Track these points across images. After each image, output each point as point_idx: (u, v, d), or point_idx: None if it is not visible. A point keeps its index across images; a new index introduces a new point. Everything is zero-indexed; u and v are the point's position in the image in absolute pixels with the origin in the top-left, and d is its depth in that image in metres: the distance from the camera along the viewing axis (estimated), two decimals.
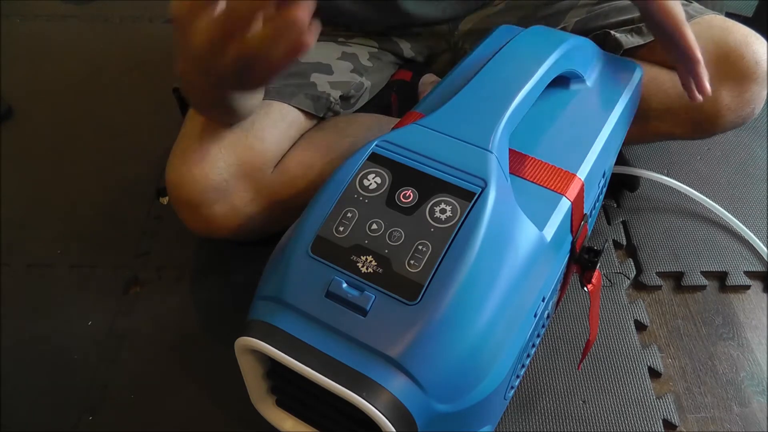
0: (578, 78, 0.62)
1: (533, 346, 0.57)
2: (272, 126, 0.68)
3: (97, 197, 0.87)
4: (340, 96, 0.76)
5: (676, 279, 0.77)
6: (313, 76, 0.74)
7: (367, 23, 0.81)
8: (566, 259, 0.55)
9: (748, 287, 0.76)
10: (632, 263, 0.79)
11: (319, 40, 0.80)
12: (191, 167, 0.63)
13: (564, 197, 0.51)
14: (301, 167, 0.69)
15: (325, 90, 0.74)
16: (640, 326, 0.72)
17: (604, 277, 0.76)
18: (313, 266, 0.46)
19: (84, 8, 1.28)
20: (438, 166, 0.48)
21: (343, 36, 0.82)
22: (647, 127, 0.75)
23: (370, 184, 0.48)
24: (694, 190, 0.82)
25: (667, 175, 0.83)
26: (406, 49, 0.85)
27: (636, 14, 0.74)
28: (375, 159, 0.49)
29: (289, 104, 0.70)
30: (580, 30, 0.76)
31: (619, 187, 0.86)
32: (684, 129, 0.74)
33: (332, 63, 0.77)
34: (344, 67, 0.78)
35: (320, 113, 0.73)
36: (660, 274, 0.77)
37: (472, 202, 0.45)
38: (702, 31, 0.71)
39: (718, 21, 0.72)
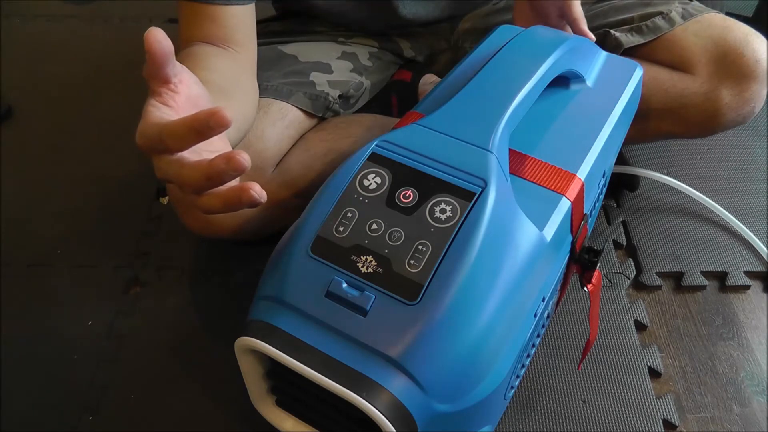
0: (578, 78, 0.62)
1: (533, 346, 0.57)
2: (271, 125, 0.68)
3: (97, 197, 0.87)
4: (340, 95, 0.76)
5: (676, 279, 0.77)
6: (312, 75, 0.74)
7: (367, 24, 0.81)
8: (566, 259, 0.55)
9: (748, 287, 0.76)
10: (632, 263, 0.79)
11: (319, 40, 0.80)
12: None
13: (564, 197, 0.51)
14: (301, 167, 0.69)
15: (324, 89, 0.74)
16: (640, 326, 0.72)
17: (604, 277, 0.76)
18: (313, 266, 0.46)
19: (84, 8, 1.28)
20: (438, 166, 0.48)
21: (343, 36, 0.81)
22: (647, 126, 0.75)
23: (370, 184, 0.48)
24: (695, 189, 0.82)
25: (667, 175, 0.83)
26: (406, 48, 0.85)
27: (636, 13, 0.74)
28: (375, 159, 0.49)
29: (288, 103, 0.70)
30: None
31: (619, 187, 0.86)
32: (684, 128, 0.74)
33: (332, 62, 0.77)
34: (344, 66, 0.78)
35: (319, 113, 0.73)
36: (660, 274, 0.77)
37: (472, 202, 0.45)
38: (702, 29, 0.71)
39: (718, 19, 0.72)
